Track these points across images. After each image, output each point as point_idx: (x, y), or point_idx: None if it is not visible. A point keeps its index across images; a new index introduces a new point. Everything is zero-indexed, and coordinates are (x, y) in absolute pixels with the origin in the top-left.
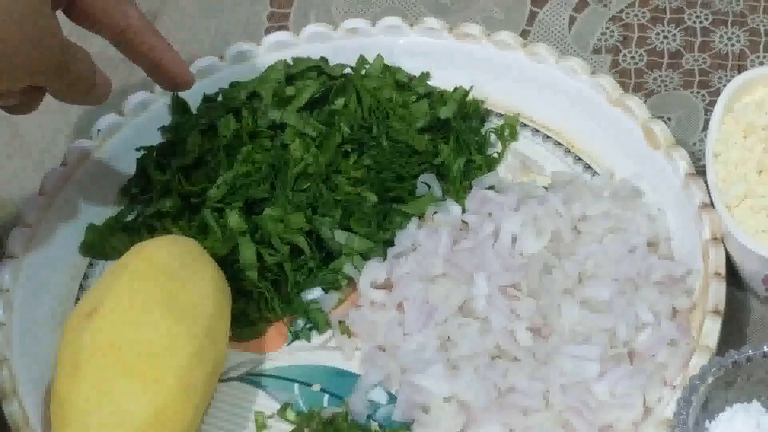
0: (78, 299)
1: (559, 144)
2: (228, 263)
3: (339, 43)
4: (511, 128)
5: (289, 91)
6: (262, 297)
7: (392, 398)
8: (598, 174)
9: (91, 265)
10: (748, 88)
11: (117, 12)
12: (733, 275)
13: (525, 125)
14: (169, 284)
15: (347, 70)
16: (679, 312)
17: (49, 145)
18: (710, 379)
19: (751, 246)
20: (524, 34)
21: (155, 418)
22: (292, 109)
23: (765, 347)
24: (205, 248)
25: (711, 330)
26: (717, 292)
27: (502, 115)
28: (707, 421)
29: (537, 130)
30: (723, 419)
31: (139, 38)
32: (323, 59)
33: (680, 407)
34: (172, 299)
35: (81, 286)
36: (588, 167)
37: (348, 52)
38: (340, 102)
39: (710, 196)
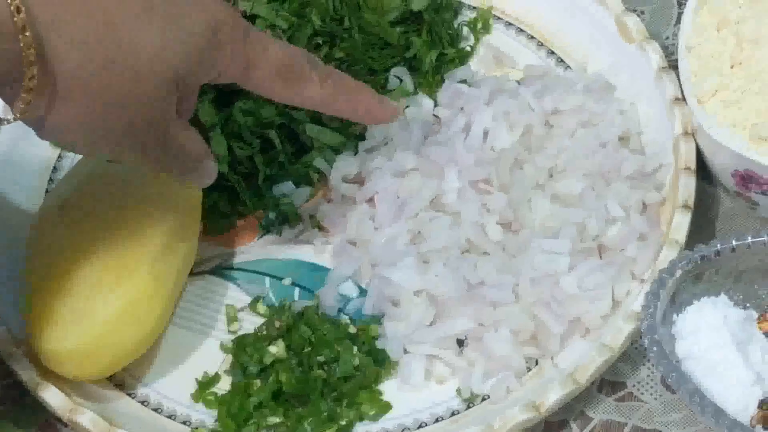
0: (47, 191)
1: (532, 37)
2: None
3: None
4: (484, 21)
5: None
6: (233, 191)
7: (363, 292)
8: (571, 68)
9: (60, 158)
10: None
11: (293, 95)
12: (703, 170)
13: (498, 18)
14: (140, 178)
15: None
16: (649, 206)
17: None
18: (679, 273)
19: (721, 140)
20: None
21: (126, 310)
22: None
23: (733, 241)
24: None
25: (680, 224)
26: (687, 187)
27: (475, 8)
28: (675, 314)
29: (510, 23)
30: (691, 312)
31: (326, 108)
32: None
33: (648, 300)
34: (142, 193)
35: (50, 179)
36: (561, 61)
37: None
38: None
39: (682, 90)
